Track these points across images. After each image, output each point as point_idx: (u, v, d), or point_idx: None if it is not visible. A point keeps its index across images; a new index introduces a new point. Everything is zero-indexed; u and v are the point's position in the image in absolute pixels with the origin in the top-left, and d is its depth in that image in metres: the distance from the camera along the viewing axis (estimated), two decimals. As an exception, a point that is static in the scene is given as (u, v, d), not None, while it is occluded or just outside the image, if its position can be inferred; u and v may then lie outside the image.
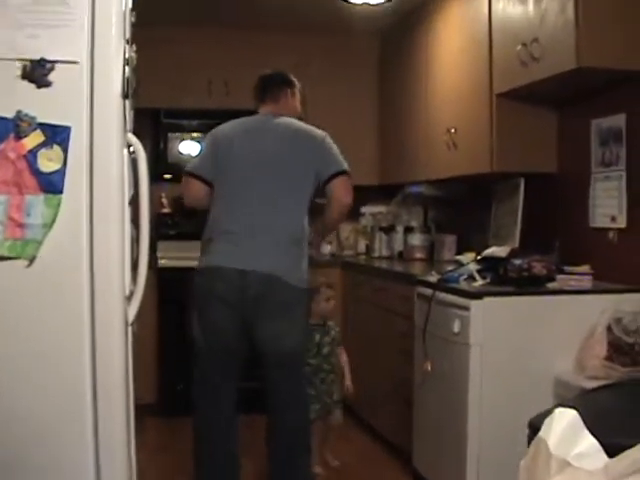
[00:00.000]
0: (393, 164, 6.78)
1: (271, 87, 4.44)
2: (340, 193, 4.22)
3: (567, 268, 4.37)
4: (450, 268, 4.58)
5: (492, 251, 4.44)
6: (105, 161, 2.69)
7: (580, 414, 2.22)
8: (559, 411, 2.21)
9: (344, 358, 5.07)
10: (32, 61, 2.63)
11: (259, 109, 4.42)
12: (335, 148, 4.27)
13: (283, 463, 4.21)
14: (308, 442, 4.27)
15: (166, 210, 7.04)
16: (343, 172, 4.23)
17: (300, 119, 4.41)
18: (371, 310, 5.71)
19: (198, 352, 4.19)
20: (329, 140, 4.28)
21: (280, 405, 4.19)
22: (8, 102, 2.63)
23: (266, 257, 4.04)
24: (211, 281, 4.08)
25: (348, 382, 5.02)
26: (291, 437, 4.20)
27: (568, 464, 2.06)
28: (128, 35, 2.85)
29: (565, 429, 2.14)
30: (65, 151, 2.65)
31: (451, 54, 5.60)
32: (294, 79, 4.54)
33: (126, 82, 2.75)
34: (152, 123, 6.84)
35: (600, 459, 2.06)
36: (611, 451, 2.12)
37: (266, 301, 4.02)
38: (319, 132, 4.28)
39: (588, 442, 2.10)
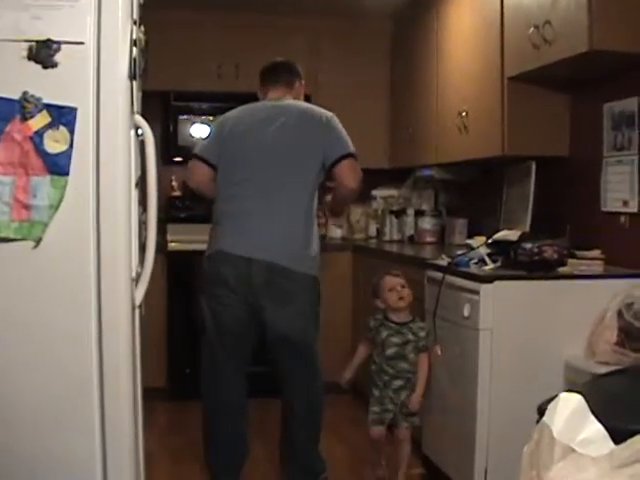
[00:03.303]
0: (404, 147, 6.75)
1: (284, 73, 4.44)
2: (347, 178, 4.16)
3: (578, 252, 4.34)
4: (460, 252, 4.56)
5: (503, 235, 4.41)
6: (111, 142, 2.68)
7: (590, 399, 2.20)
8: (564, 396, 2.19)
9: (424, 367, 4.34)
10: (38, 42, 2.62)
11: (268, 92, 4.40)
12: (341, 129, 4.21)
13: (292, 445, 4.28)
14: (316, 428, 4.29)
15: (176, 193, 7.03)
16: (348, 155, 4.16)
17: None
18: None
19: (207, 336, 4.20)
20: (335, 121, 4.22)
21: (287, 390, 4.23)
22: (14, 83, 2.62)
23: (271, 245, 4.02)
24: (218, 267, 4.09)
25: (416, 395, 4.30)
26: (300, 421, 4.24)
27: (572, 450, 2.04)
28: (136, 16, 2.83)
29: (570, 414, 2.12)
30: (71, 132, 2.64)
31: (463, 37, 5.56)
32: (301, 70, 4.54)
33: (133, 63, 2.74)
34: (162, 106, 6.82)
35: (605, 445, 2.04)
36: (622, 436, 2.10)
37: (270, 289, 4.02)
38: (325, 113, 4.23)
39: (594, 428, 2.08)
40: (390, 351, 4.31)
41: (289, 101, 4.32)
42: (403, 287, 4.35)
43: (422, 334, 4.33)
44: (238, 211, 4.09)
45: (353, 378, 4.50)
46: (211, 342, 4.19)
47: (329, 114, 4.23)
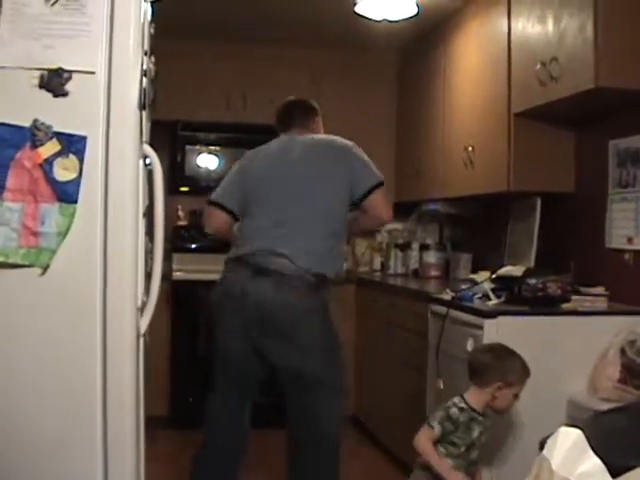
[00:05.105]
0: (409, 181, 6.76)
1: (298, 115, 4.35)
2: (380, 211, 4.06)
3: (582, 289, 4.35)
4: (465, 286, 4.57)
5: (507, 270, 4.42)
6: (120, 171, 2.70)
7: (590, 436, 2.20)
8: (563, 430, 2.19)
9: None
10: (49, 70, 2.64)
11: (285, 134, 4.30)
12: (365, 157, 4.07)
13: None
14: (332, 464, 4.02)
15: (182, 223, 7.05)
16: (378, 185, 4.02)
17: None
18: (385, 327, 5.69)
19: (213, 362, 4.10)
20: (357, 150, 4.09)
21: (293, 422, 4.02)
22: (25, 111, 2.64)
23: (274, 285, 3.85)
24: (223, 295, 4.01)
25: None
26: (306, 455, 4.02)
27: (570, 483, 2.05)
28: (147, 47, 2.85)
29: (569, 449, 2.12)
30: (81, 161, 2.66)
31: (470, 72, 5.60)
32: (317, 106, 4.45)
33: (143, 93, 2.76)
34: (169, 135, 6.84)
35: (603, 479, 2.05)
36: (620, 472, 2.10)
37: (266, 323, 3.86)
38: (345, 143, 4.11)
39: (592, 462, 2.08)
40: (475, 454, 3.53)
41: (306, 135, 4.21)
42: None
43: (491, 421, 3.58)
44: (252, 246, 3.93)
45: None
46: (215, 367, 4.08)
47: (349, 143, 4.11)
